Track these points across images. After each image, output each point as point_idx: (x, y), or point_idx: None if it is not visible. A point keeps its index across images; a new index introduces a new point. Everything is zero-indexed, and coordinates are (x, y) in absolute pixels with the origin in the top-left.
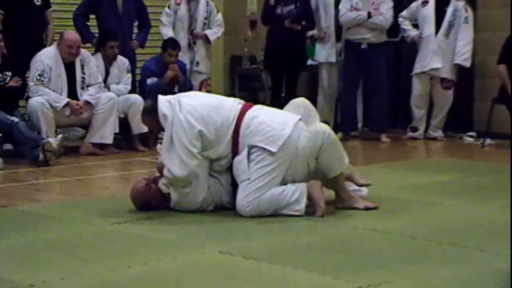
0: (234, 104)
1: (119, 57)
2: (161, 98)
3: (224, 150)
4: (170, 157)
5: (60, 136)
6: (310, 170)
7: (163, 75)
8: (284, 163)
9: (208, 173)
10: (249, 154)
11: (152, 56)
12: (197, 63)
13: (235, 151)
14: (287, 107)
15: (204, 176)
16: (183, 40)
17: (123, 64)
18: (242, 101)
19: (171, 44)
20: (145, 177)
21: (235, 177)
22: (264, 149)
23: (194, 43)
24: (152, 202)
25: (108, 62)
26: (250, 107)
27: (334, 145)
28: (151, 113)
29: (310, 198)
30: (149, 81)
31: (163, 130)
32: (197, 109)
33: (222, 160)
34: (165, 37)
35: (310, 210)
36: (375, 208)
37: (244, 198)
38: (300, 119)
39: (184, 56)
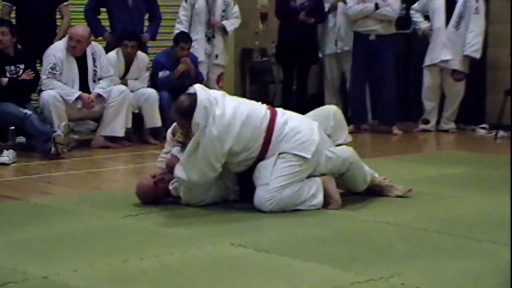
0: (263, 111)
1: (140, 54)
2: (200, 103)
3: (249, 155)
4: (191, 164)
5: (63, 123)
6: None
7: (175, 69)
8: (312, 167)
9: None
10: (277, 160)
11: (163, 49)
12: (216, 55)
13: (261, 157)
14: (317, 112)
15: (215, 179)
16: (200, 33)
17: (143, 61)
18: (267, 106)
19: (183, 38)
20: (151, 174)
21: (254, 179)
22: (298, 155)
23: (213, 36)
24: (157, 200)
25: (128, 59)
26: (276, 112)
27: (358, 172)
28: (186, 115)
29: (325, 192)
30: (161, 74)
31: (190, 134)
32: (231, 125)
33: (243, 162)
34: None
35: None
36: (407, 194)
37: (266, 193)
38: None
39: (201, 50)
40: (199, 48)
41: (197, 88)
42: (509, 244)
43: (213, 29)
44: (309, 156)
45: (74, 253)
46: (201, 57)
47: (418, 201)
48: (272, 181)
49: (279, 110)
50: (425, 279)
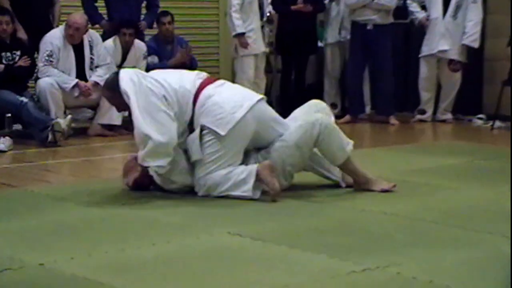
0: (195, 79)
1: (137, 42)
2: (123, 74)
3: (183, 127)
4: (149, 124)
5: (69, 116)
6: (305, 158)
7: (164, 51)
8: (235, 146)
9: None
10: (201, 133)
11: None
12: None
13: (191, 129)
14: (303, 106)
15: (180, 152)
16: (255, 23)
17: (141, 50)
18: (205, 75)
19: (162, 13)
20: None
21: (189, 155)
22: (214, 131)
23: (263, 26)
24: (143, 181)
25: (125, 47)
26: (210, 83)
27: (332, 135)
28: (112, 87)
29: (262, 180)
30: (149, 59)
31: (123, 107)
32: (158, 81)
33: (181, 138)
34: (237, 27)
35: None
36: (392, 189)
37: (197, 180)
38: (261, 99)
39: (259, 40)
40: (257, 38)
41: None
42: (507, 235)
43: (267, 18)
44: (222, 133)
45: (71, 241)
46: (261, 47)
47: (415, 191)
48: (201, 167)
49: (216, 82)
50: (421, 269)
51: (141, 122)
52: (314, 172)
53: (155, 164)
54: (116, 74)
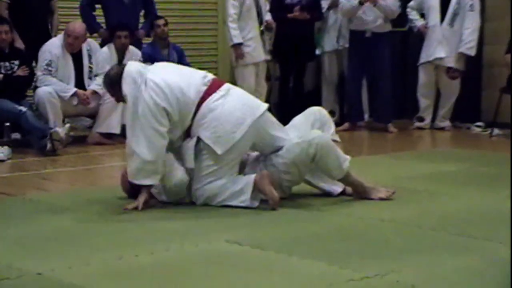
0: (200, 84)
1: (132, 48)
2: (127, 74)
3: (181, 133)
4: (137, 139)
5: (67, 125)
6: (302, 174)
7: (160, 56)
8: (232, 161)
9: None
10: (197, 144)
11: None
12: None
13: (187, 134)
14: (303, 113)
15: (174, 160)
16: (254, 30)
17: (136, 55)
18: (211, 79)
19: (155, 18)
20: None
21: (183, 159)
22: (211, 148)
23: (262, 33)
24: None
25: (121, 53)
26: (216, 89)
27: (328, 155)
28: (112, 84)
29: (260, 190)
30: None
31: (123, 99)
32: (161, 87)
33: (176, 143)
34: (233, 37)
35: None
36: (390, 196)
37: (194, 191)
38: (264, 112)
39: (259, 47)
40: (256, 46)
41: (131, 61)
42: (505, 241)
43: (265, 26)
44: (219, 152)
45: (69, 249)
46: (261, 55)
47: (413, 198)
48: (198, 179)
49: (221, 90)
50: (420, 276)
51: (131, 135)
52: (306, 183)
53: (145, 183)
54: (122, 70)
